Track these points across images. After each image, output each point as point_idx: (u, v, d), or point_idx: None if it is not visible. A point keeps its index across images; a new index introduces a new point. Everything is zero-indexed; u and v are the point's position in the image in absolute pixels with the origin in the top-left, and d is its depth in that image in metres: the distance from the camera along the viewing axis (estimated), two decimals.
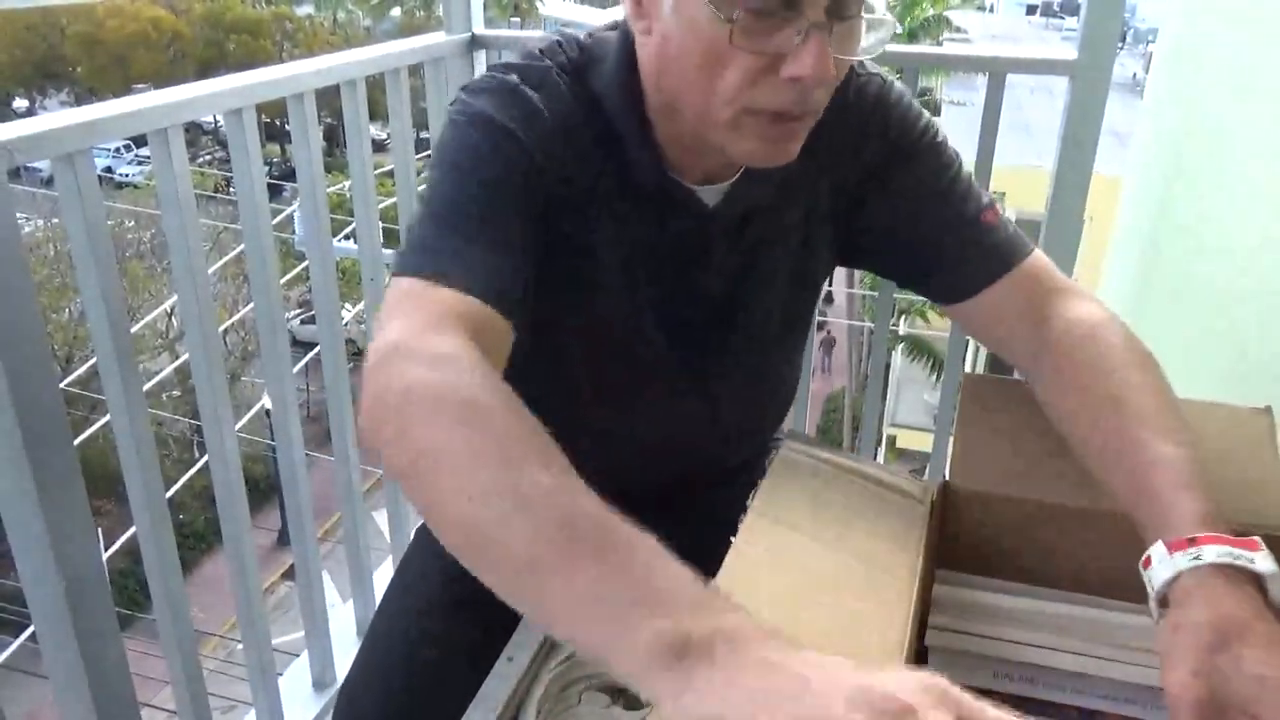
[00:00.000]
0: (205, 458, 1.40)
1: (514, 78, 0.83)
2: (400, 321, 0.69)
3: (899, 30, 0.79)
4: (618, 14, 0.89)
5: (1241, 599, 0.65)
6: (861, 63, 0.90)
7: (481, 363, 0.64)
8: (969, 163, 0.99)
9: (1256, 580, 0.66)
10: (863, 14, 0.75)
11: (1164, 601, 0.69)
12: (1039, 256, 0.91)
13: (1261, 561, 0.67)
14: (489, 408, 0.60)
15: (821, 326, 13.21)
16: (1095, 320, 0.86)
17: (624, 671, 0.49)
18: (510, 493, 0.56)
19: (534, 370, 0.79)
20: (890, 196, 0.92)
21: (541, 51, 0.87)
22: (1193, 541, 0.67)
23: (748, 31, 0.72)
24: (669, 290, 0.92)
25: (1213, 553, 0.66)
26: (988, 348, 0.96)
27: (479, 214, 0.77)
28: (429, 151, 1.83)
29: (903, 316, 10.89)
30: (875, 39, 0.77)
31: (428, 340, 0.66)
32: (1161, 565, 0.68)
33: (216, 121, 17.13)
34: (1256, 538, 0.68)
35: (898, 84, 0.94)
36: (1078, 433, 0.82)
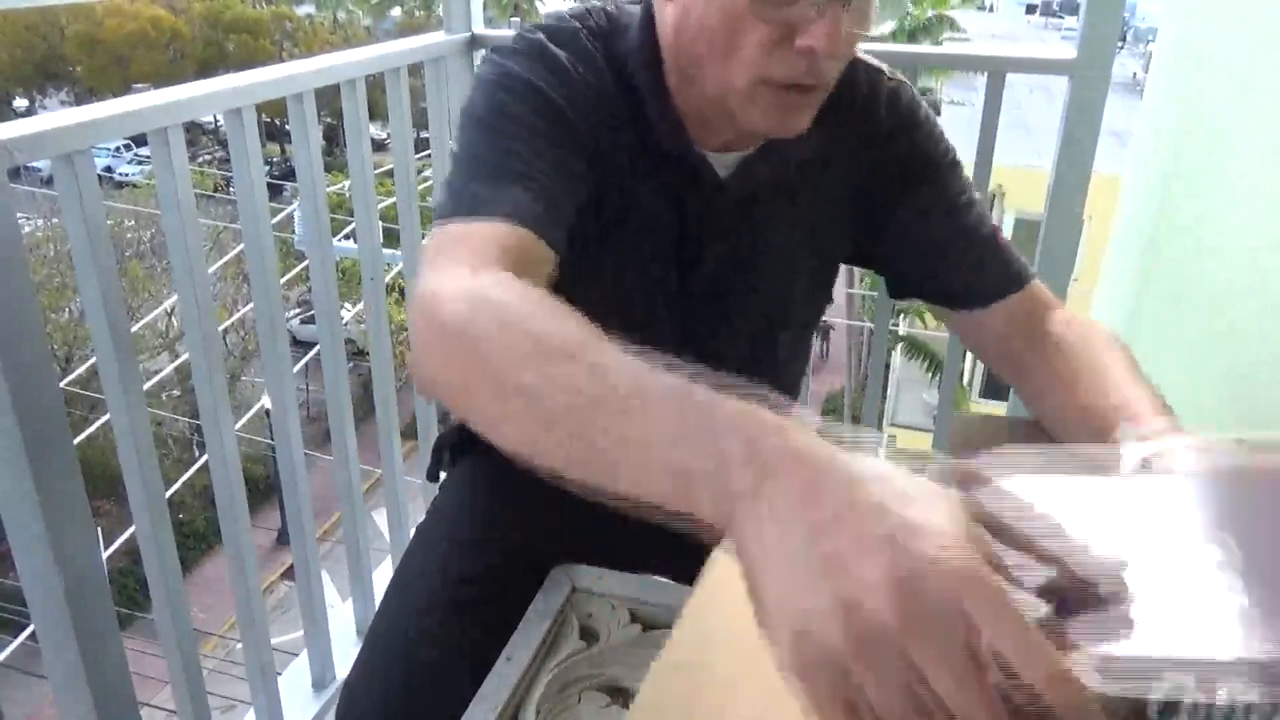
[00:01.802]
0: (205, 458, 1.40)
1: (541, 36, 0.84)
2: (443, 260, 0.69)
3: (910, 8, 0.81)
4: None
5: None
6: (893, 68, 0.95)
7: (525, 282, 0.64)
8: (969, 162, 1.00)
9: None
10: None
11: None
12: (1039, 283, 0.95)
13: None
14: (535, 303, 0.60)
15: None
16: (1081, 323, 0.90)
17: (707, 509, 0.48)
18: (565, 352, 0.54)
19: None
20: (910, 208, 0.94)
21: (571, 15, 0.88)
22: None
23: (766, 2, 0.75)
24: (675, 264, 0.93)
25: None
26: (978, 356, 0.99)
27: (511, 160, 0.77)
28: (429, 151, 1.85)
29: (901, 316, 10.88)
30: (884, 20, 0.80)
31: (473, 276, 0.66)
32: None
33: (216, 121, 17.14)
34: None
35: (925, 101, 0.97)
36: (1046, 408, 0.86)
